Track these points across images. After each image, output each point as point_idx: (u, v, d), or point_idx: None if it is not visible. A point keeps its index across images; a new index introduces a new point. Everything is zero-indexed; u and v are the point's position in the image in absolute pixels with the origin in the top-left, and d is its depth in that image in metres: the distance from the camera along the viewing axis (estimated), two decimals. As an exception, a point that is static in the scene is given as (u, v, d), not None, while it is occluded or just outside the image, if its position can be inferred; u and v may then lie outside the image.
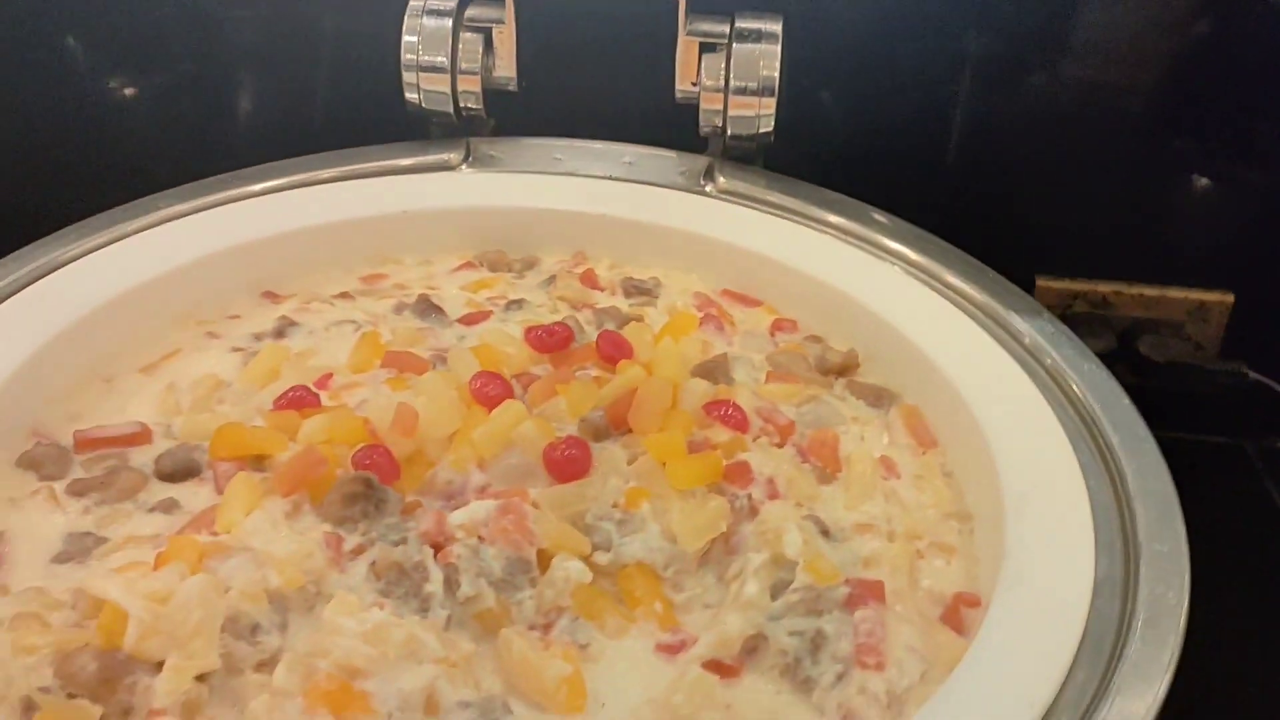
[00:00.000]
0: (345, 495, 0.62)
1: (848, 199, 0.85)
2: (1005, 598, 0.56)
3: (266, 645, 0.56)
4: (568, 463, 0.66)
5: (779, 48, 0.87)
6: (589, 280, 0.83)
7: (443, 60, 0.88)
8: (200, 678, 0.53)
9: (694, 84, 0.90)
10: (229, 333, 0.77)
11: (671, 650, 0.61)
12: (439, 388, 0.69)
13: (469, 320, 0.79)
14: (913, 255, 0.80)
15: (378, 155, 0.89)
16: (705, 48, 0.89)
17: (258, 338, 0.76)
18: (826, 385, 0.75)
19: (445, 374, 0.70)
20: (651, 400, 0.69)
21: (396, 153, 0.89)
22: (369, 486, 0.63)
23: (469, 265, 0.85)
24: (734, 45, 0.87)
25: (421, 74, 0.88)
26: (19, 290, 0.72)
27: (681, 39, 0.88)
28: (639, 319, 0.79)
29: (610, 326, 0.78)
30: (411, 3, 0.89)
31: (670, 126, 0.93)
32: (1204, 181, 1.07)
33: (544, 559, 0.62)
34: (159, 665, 0.53)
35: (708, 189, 0.89)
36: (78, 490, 0.64)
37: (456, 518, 0.62)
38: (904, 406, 0.74)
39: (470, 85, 0.89)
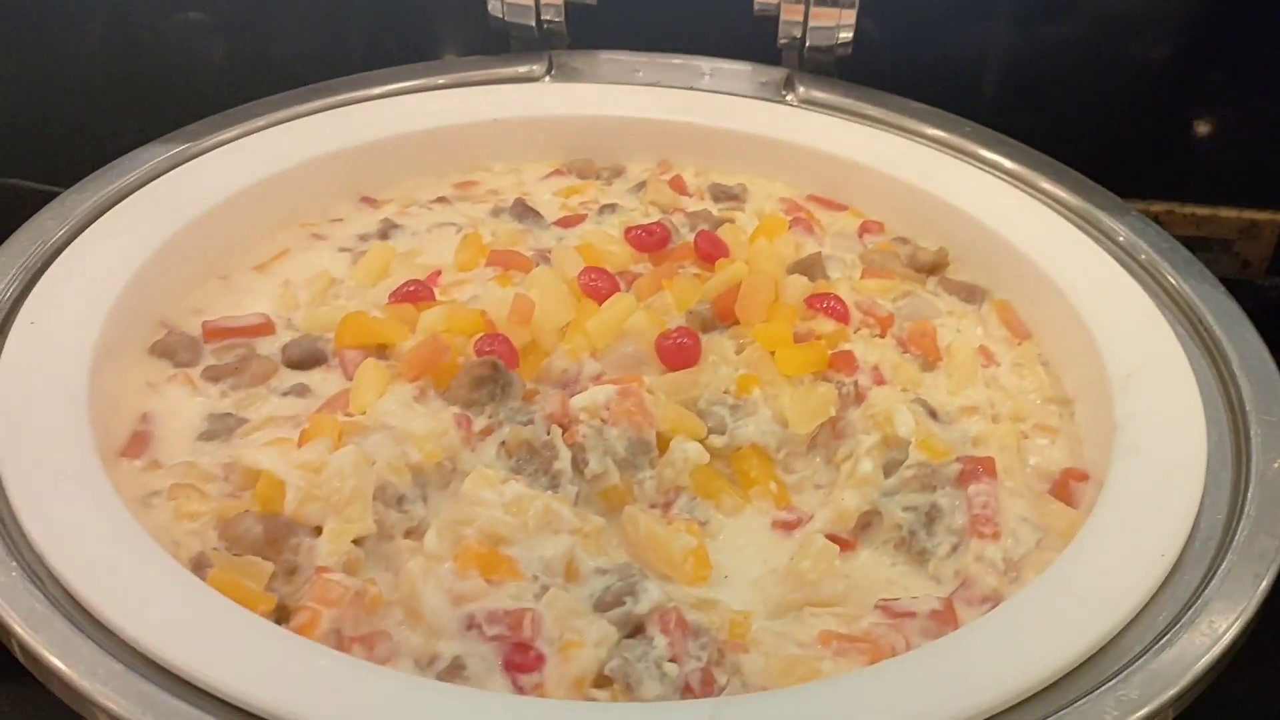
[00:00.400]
0: (474, 378, 0.65)
1: (931, 108, 0.87)
2: (1121, 467, 0.58)
3: (413, 514, 0.58)
4: (679, 351, 0.68)
5: (859, -43, 0.88)
6: (677, 186, 0.85)
7: (526, -28, 0.89)
8: (356, 541, 0.56)
9: (774, -4, 0.92)
10: (334, 234, 0.79)
11: (788, 526, 0.64)
12: (550, 281, 0.71)
13: (565, 223, 0.81)
14: (1001, 160, 0.82)
15: (463, 66, 0.90)
16: (787, -43, 0.90)
17: (363, 239, 0.78)
18: (920, 281, 0.77)
19: (554, 269, 0.72)
20: (756, 293, 0.71)
21: (481, 64, 0.90)
22: (496, 370, 0.65)
23: (558, 173, 0.87)
24: (815, -45, 0.88)
25: (505, -14, 0.90)
26: (136, 189, 0.74)
27: (760, -49, 0.90)
28: (730, 221, 0.81)
29: (704, 228, 0.80)
30: (492, -83, 0.90)
31: (743, 40, 0.95)
32: (1248, 106, 1.08)
33: (662, 442, 0.65)
34: (317, 530, 0.56)
35: (788, 98, 0.90)
36: (213, 376, 0.66)
37: (579, 400, 0.65)
38: (996, 301, 0.76)
39: (553, -1, 0.91)
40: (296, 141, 0.80)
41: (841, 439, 0.67)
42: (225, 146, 0.79)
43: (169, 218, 0.72)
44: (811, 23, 0.89)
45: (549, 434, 0.62)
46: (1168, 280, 0.71)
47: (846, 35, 0.89)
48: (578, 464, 0.62)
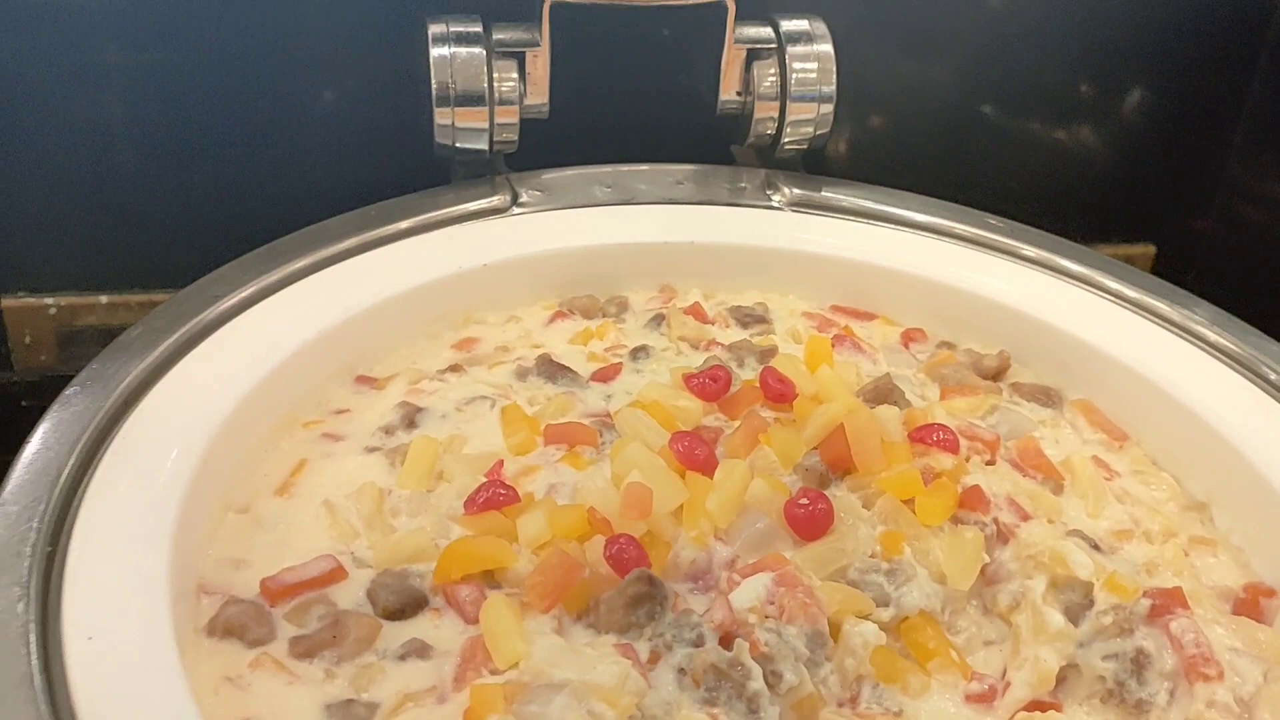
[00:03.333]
0: (629, 598, 0.55)
1: (928, 198, 0.84)
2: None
3: (641, 791, 0.48)
4: (814, 519, 0.61)
5: (832, 48, 0.83)
6: (698, 315, 0.78)
7: (481, 91, 0.79)
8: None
9: (739, 94, 0.86)
10: (349, 431, 0.67)
11: (984, 699, 0.58)
12: (646, 459, 0.62)
13: (602, 376, 0.72)
14: (1022, 247, 0.79)
15: (420, 207, 0.79)
16: (752, 55, 0.84)
17: (388, 432, 0.66)
18: (997, 392, 0.73)
19: (641, 444, 0.63)
20: (868, 437, 0.64)
21: (440, 201, 0.80)
22: (652, 584, 0.55)
23: (560, 315, 0.78)
24: (788, 48, 0.83)
25: (458, 109, 0.79)
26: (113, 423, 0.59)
27: (728, 48, 0.84)
28: (773, 350, 0.74)
29: (752, 363, 0.73)
30: (432, 30, 0.80)
31: (681, 140, 0.89)
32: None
33: (831, 628, 0.57)
34: (546, 841, 0.45)
35: (775, 200, 0.84)
36: (304, 652, 0.53)
37: (741, 600, 0.56)
38: (1076, 403, 0.73)
39: (508, 116, 0.81)
40: (278, 325, 0.67)
41: (995, 584, 0.62)
42: (200, 346, 0.65)
43: (168, 451, 0.58)
44: (791, 118, 0.84)
45: (731, 649, 0.54)
46: (1233, 349, 0.70)
47: (824, 129, 0.85)
48: (772, 678, 0.54)
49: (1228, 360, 0.70)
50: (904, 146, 1.03)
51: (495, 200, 0.81)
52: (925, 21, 0.98)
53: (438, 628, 0.55)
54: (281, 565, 0.57)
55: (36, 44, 0.84)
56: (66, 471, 0.55)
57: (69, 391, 0.60)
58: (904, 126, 1.03)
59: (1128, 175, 1.11)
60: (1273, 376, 0.69)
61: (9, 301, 0.96)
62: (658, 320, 0.77)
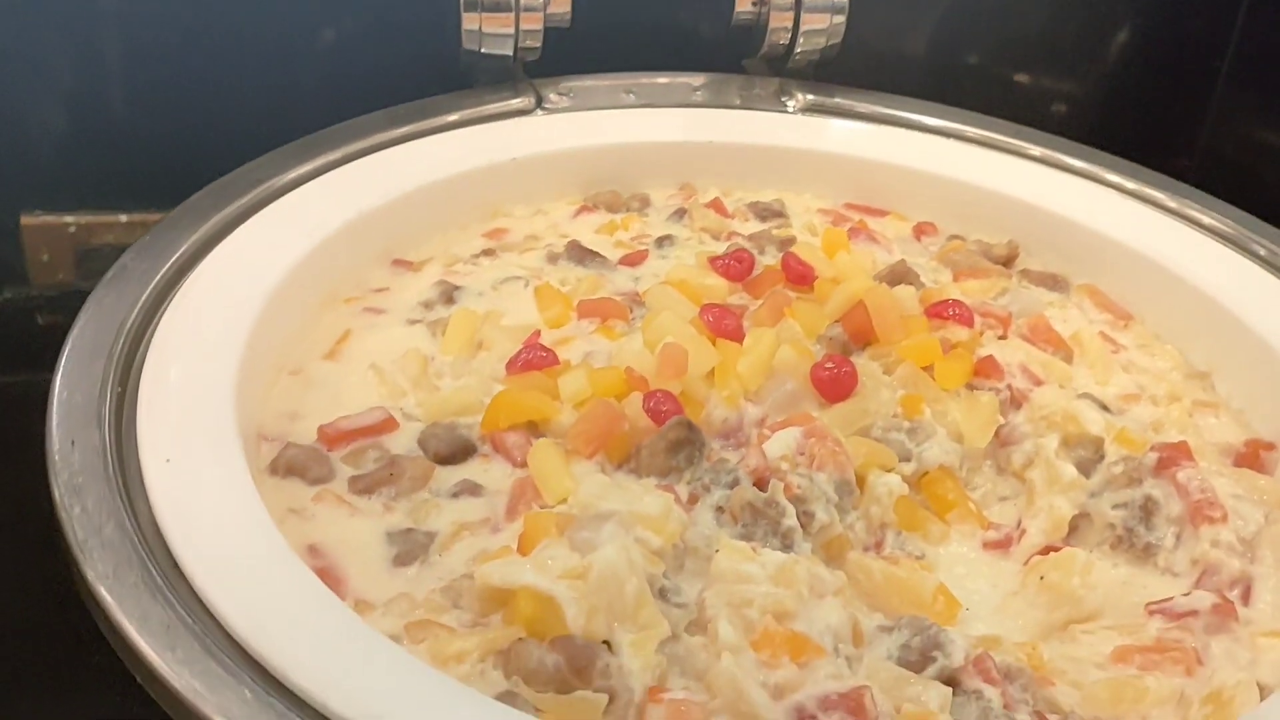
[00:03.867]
0: (670, 443, 0.58)
1: (938, 104, 0.87)
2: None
3: (688, 605, 0.51)
4: (839, 381, 0.64)
5: (844, -40, 0.86)
6: (719, 209, 0.81)
7: (508, -2, 0.82)
8: (653, 647, 0.48)
9: (754, 4, 0.88)
10: (390, 306, 0.69)
11: (1001, 546, 0.61)
12: (680, 326, 0.65)
13: (630, 261, 0.75)
14: (1028, 146, 0.82)
15: (449, 106, 0.82)
16: (767, -34, 0.87)
17: (427, 306, 0.69)
18: (1008, 276, 0.76)
19: (673, 313, 0.66)
20: (888, 310, 0.68)
21: (467, 102, 0.82)
22: (691, 430, 0.59)
23: (586, 209, 0.80)
24: (801, -40, 0.86)
25: (485, 14, 0.82)
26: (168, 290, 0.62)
27: (745, -41, 0.87)
28: (791, 240, 0.77)
29: (772, 251, 0.76)
30: (463, -61, 0.82)
31: (694, 53, 0.92)
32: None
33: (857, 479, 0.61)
34: (605, 645, 0.48)
35: (789, 106, 0.87)
36: (364, 488, 0.56)
37: (773, 449, 0.59)
38: (1082, 286, 0.76)
39: (533, 23, 0.83)
40: (321, 206, 0.70)
41: (1009, 445, 0.65)
42: (246, 224, 0.67)
43: (224, 311, 0.61)
44: (805, 27, 0.87)
45: (766, 490, 0.57)
46: (1229, 229, 0.74)
47: (837, 39, 0.88)
48: (805, 517, 0.57)
49: (1223, 240, 0.74)
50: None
51: (520, 102, 0.84)
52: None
53: (487, 471, 0.58)
54: (335, 418, 0.60)
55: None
56: (130, 323, 0.58)
57: (125, 259, 0.63)
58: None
59: (1110, 115, 1.14)
60: (1263, 252, 0.72)
61: (27, 219, 0.98)
62: (680, 214, 0.80)
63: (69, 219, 0.97)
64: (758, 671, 0.49)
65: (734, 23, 0.90)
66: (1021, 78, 1.11)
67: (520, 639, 0.47)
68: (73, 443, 0.50)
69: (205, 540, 0.46)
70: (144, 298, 0.60)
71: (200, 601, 0.44)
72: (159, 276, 0.62)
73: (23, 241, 0.96)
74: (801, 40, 0.87)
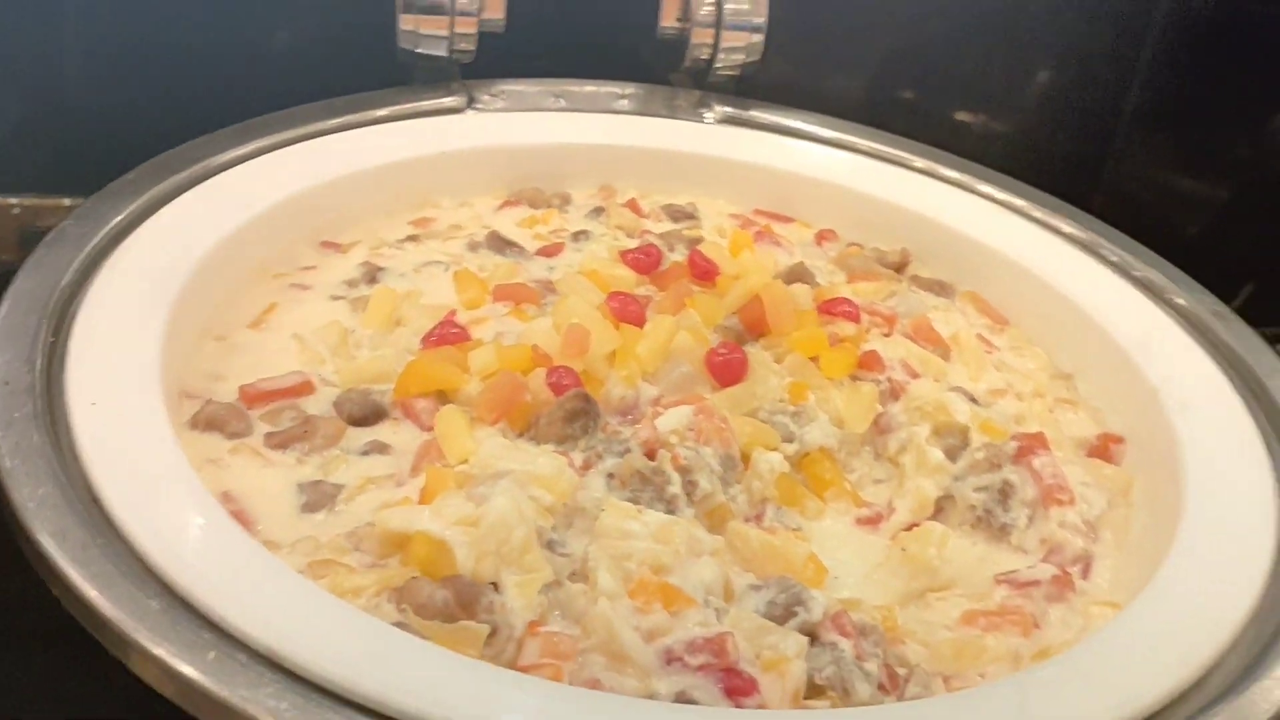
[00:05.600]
0: (567, 413, 0.63)
1: (841, 119, 0.93)
2: (1183, 424, 0.65)
3: (572, 555, 0.56)
4: (730, 366, 0.69)
5: (764, -18, 0.92)
6: (634, 209, 0.86)
7: (444, 1, 0.86)
8: (535, 591, 0.53)
9: (679, 20, 0.94)
10: (316, 283, 0.74)
11: (871, 522, 0.66)
12: (585, 310, 0.70)
13: (546, 252, 0.80)
14: (937, 167, 0.89)
15: (384, 101, 0.86)
16: (690, -15, 0.93)
17: (350, 284, 0.74)
18: (897, 280, 0.82)
19: (579, 298, 0.71)
20: (782, 304, 0.73)
21: (401, 98, 0.87)
22: (588, 403, 0.63)
23: (509, 203, 0.85)
24: (723, -19, 0.92)
25: (420, 16, 0.86)
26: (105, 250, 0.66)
27: (670, -23, 0.92)
28: (699, 240, 0.82)
29: (681, 249, 0.81)
30: (405, -56, 0.87)
31: (627, 65, 0.97)
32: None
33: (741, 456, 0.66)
34: (492, 586, 0.52)
35: (707, 117, 0.93)
36: (279, 443, 0.60)
37: (664, 424, 0.64)
38: (965, 293, 0.82)
39: (467, 27, 0.88)
40: (255, 186, 0.74)
41: (886, 433, 0.70)
42: (182, 197, 0.71)
43: (154, 276, 0.65)
44: (724, 44, 0.92)
45: (655, 460, 0.62)
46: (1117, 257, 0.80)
47: (755, 56, 0.93)
48: (689, 486, 0.62)
49: (1087, 250, 0.80)
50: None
51: (453, 101, 0.88)
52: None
53: (396, 433, 0.63)
54: (256, 379, 0.64)
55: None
56: (65, 282, 0.62)
57: (65, 223, 0.67)
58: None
59: (1025, 151, 1.21)
60: (1112, 257, 0.79)
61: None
62: (597, 211, 0.85)
63: (13, 200, 1.00)
64: (632, 617, 0.53)
65: (659, 36, 0.95)
66: (953, 113, 1.18)
67: (414, 577, 0.52)
68: (6, 383, 0.54)
69: (124, 475, 0.50)
70: (80, 259, 0.64)
71: (114, 526, 0.48)
72: (95, 240, 0.65)
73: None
74: (721, 56, 0.93)
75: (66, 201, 1.02)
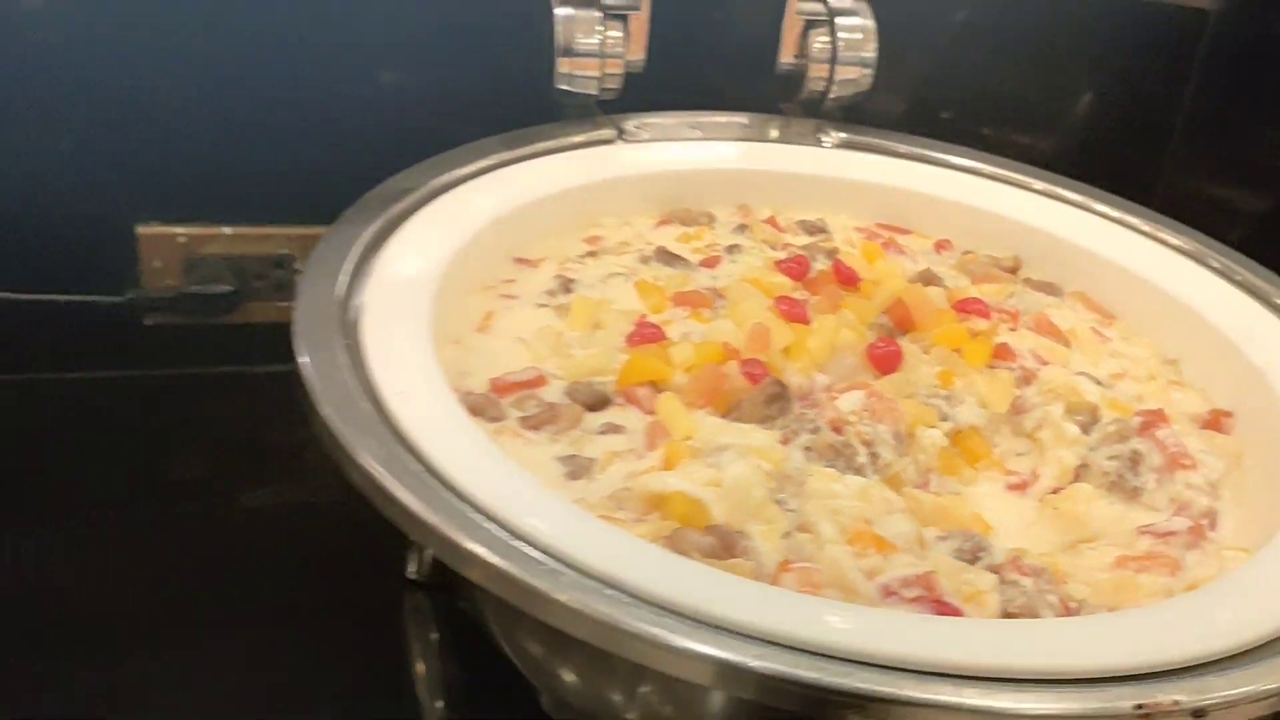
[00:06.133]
0: (767, 397, 0.73)
1: (941, 142, 1.04)
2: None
3: (795, 511, 0.67)
4: (889, 357, 0.80)
5: (874, 22, 1.03)
6: (774, 225, 0.97)
7: (595, 45, 0.98)
8: (774, 538, 0.64)
9: (796, 57, 1.05)
10: (520, 294, 0.84)
11: (1020, 488, 0.77)
12: (759, 312, 0.81)
13: (707, 264, 0.90)
14: (1031, 181, 1.00)
15: (547, 134, 0.97)
16: (808, 24, 1.04)
17: (550, 294, 0.84)
18: (1014, 282, 0.93)
19: (751, 302, 0.82)
20: (923, 304, 0.84)
21: (562, 132, 0.98)
22: (782, 388, 0.74)
23: (664, 222, 0.96)
24: (837, 20, 1.03)
25: (576, 59, 0.98)
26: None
27: (788, 17, 1.03)
28: (836, 250, 0.94)
29: (821, 259, 0.92)
30: (555, -4, 0.98)
31: (743, 97, 1.08)
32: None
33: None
34: (740, 533, 0.63)
35: (826, 143, 1.04)
36: (532, 425, 0.71)
37: (844, 405, 0.75)
38: (1073, 294, 0.93)
39: (615, 68, 1.00)
40: (467, 211, 0.85)
41: (1023, 413, 0.81)
42: (411, 220, 0.82)
43: (423, 295, 0.76)
44: (838, 77, 1.03)
45: (843, 435, 0.73)
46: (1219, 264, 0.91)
47: (864, 88, 1.05)
48: (873, 457, 0.73)
49: (1187, 255, 0.91)
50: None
51: (604, 133, 0.99)
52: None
53: (624, 417, 0.73)
54: (498, 374, 0.75)
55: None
56: (339, 295, 0.73)
57: (321, 245, 0.77)
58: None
59: (1074, 170, 1.33)
60: (1215, 264, 0.90)
61: (143, 229, 1.11)
62: (741, 228, 0.96)
63: (179, 230, 1.11)
64: (852, 560, 0.64)
65: (778, 70, 1.06)
66: (998, 133, 1.29)
67: (678, 528, 0.63)
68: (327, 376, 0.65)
69: (449, 447, 0.61)
70: (340, 277, 0.74)
71: (457, 491, 0.58)
72: (346, 262, 0.76)
73: (138, 250, 1.10)
74: (835, 88, 1.04)
75: (227, 230, 1.12)
